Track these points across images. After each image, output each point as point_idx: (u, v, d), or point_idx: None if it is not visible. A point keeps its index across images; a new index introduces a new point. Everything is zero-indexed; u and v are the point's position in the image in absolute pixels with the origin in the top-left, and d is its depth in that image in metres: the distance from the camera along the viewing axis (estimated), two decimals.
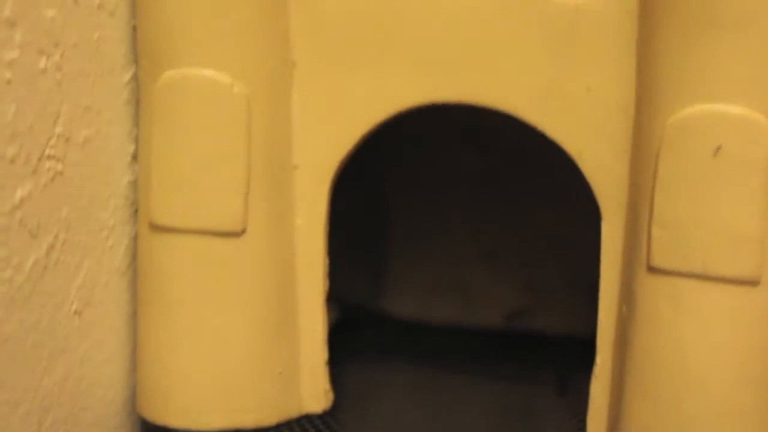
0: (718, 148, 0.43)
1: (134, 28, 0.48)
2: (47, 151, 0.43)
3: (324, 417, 0.52)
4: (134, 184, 0.50)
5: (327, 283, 0.51)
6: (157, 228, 0.48)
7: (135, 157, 0.50)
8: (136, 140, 0.50)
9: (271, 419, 0.50)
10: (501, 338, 0.64)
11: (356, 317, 0.66)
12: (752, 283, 0.44)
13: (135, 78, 0.49)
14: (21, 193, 0.42)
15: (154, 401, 0.49)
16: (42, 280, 0.44)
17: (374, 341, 0.64)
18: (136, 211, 0.50)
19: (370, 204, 0.66)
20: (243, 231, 0.48)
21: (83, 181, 0.46)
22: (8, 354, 0.42)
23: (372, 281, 0.66)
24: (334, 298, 0.57)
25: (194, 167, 0.47)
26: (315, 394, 0.52)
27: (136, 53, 0.49)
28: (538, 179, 0.62)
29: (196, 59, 0.46)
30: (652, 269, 0.45)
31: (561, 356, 0.59)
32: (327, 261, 0.51)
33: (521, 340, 0.64)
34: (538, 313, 0.64)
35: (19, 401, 0.42)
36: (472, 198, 0.64)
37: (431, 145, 0.63)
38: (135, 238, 0.50)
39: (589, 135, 0.47)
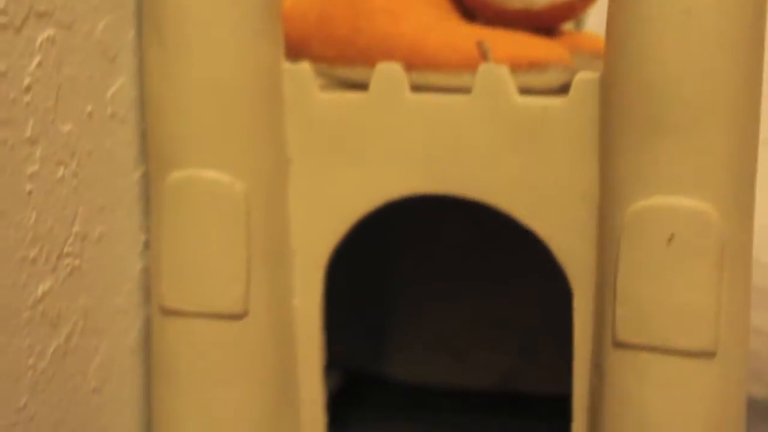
0: (672, 237, 0.48)
1: (143, 132, 0.54)
2: (66, 249, 0.48)
3: None
4: (146, 270, 0.55)
5: (325, 355, 0.56)
6: (167, 311, 0.53)
7: (147, 245, 0.55)
8: (147, 231, 0.55)
9: None
10: (496, 398, 0.69)
11: (358, 381, 0.70)
12: (708, 355, 0.49)
13: (145, 176, 0.54)
14: (42, 288, 0.47)
15: None
16: (62, 364, 0.49)
17: (375, 404, 0.68)
18: (148, 295, 0.55)
19: (369, 274, 0.70)
20: (245, 313, 0.52)
21: (99, 272, 0.51)
22: None
23: (371, 348, 0.71)
24: (335, 365, 0.61)
25: (200, 257, 0.52)
26: None
27: (145, 154, 0.54)
28: (529, 245, 0.67)
29: (199, 160, 0.51)
30: (617, 344, 0.50)
31: (551, 415, 0.63)
32: (324, 335, 0.56)
33: (514, 400, 0.68)
34: (529, 374, 0.69)
35: None
36: (465, 264, 0.68)
37: (427, 213, 0.68)
38: (147, 320, 0.55)
39: (557, 222, 0.52)
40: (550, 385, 0.67)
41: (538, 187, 0.52)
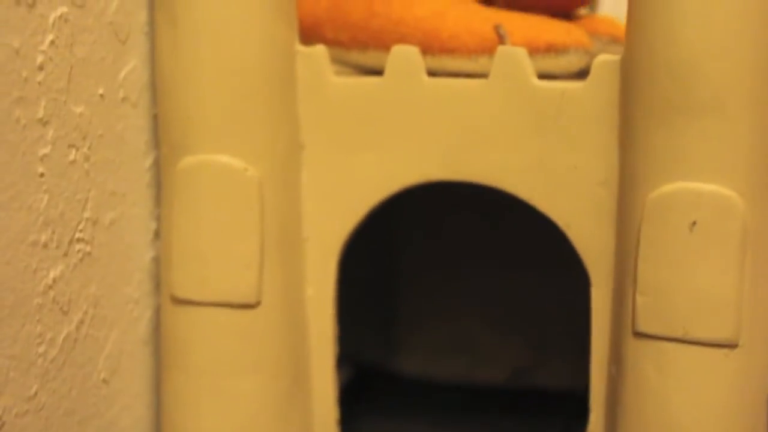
0: (694, 223, 0.47)
1: (155, 117, 0.53)
2: (77, 235, 0.47)
3: None
4: (157, 260, 0.54)
5: (337, 347, 0.55)
6: (178, 301, 0.52)
7: (157, 234, 0.54)
8: (158, 219, 0.54)
9: None
10: (507, 394, 0.68)
11: (368, 376, 0.69)
12: (730, 345, 0.48)
13: (156, 163, 0.53)
14: (54, 274, 0.46)
15: None
16: (73, 353, 0.48)
17: (385, 398, 0.67)
18: (158, 284, 0.54)
19: (381, 271, 0.69)
20: (258, 303, 0.51)
21: (110, 260, 0.50)
22: (43, 421, 0.45)
23: (383, 342, 0.70)
24: (347, 359, 0.60)
25: (212, 245, 0.51)
26: None
27: (156, 140, 0.53)
28: (543, 237, 0.66)
29: (211, 146, 0.50)
30: (637, 334, 0.49)
31: (564, 410, 0.62)
32: (337, 326, 0.55)
33: (526, 396, 0.67)
34: (541, 369, 0.68)
35: None
36: (476, 257, 0.67)
37: (440, 212, 0.67)
38: (158, 310, 0.54)
39: (575, 208, 0.51)
40: (564, 380, 0.66)
41: (556, 174, 0.51)
